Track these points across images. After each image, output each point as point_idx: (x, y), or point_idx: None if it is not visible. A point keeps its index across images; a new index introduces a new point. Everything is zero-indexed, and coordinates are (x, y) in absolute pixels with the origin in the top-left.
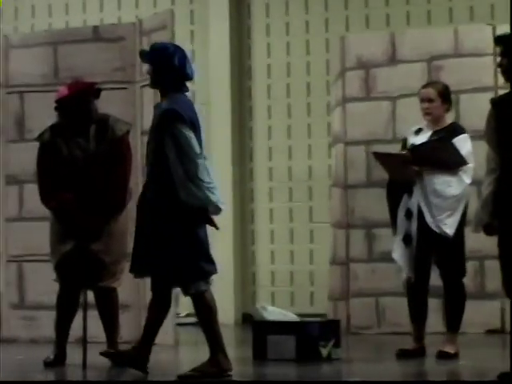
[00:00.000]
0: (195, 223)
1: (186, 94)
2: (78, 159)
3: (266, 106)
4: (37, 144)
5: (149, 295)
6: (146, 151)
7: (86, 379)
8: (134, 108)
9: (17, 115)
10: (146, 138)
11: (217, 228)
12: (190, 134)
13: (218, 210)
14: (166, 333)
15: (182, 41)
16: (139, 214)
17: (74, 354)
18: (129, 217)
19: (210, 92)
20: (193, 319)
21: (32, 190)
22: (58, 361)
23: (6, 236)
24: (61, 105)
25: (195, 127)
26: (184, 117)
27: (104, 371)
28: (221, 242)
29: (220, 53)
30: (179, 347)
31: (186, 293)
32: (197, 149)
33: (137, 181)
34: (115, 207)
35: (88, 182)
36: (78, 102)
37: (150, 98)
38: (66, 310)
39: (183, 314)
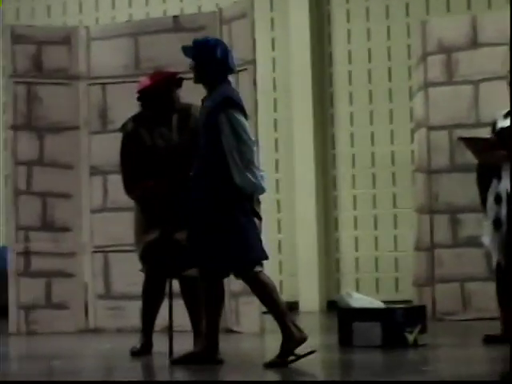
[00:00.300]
0: (247, 211)
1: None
2: (161, 149)
3: (347, 92)
4: (120, 135)
5: (234, 284)
6: (195, 146)
7: (172, 368)
8: None
9: (99, 107)
10: None
11: (260, 219)
12: (246, 121)
13: (258, 202)
14: (251, 321)
15: (262, 29)
16: (191, 209)
17: (160, 343)
18: None
19: (290, 79)
20: None
21: (116, 181)
22: (144, 350)
23: (91, 227)
24: (143, 95)
25: (246, 117)
26: (240, 104)
27: None
28: (305, 229)
29: (300, 40)
30: (265, 335)
31: (240, 275)
32: (252, 136)
33: None
34: None
35: (171, 172)
36: (161, 91)
37: None
38: (152, 299)
39: None
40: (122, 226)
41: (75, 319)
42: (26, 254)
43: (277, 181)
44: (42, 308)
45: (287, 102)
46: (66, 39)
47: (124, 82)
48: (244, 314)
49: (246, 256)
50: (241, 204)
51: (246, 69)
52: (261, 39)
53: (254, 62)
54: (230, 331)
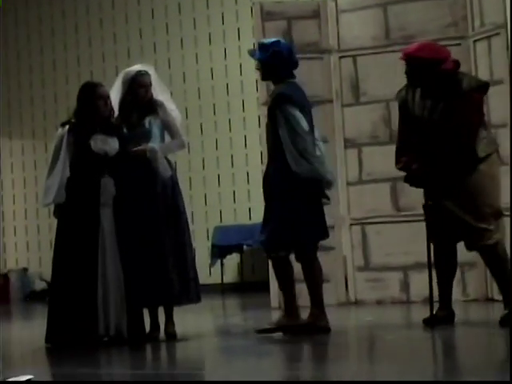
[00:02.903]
0: (307, 195)
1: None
2: (424, 118)
3: None
4: (370, 107)
5: None
6: (266, 131)
7: (434, 337)
8: (468, 63)
9: (351, 79)
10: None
11: (328, 199)
12: (299, 114)
13: (329, 185)
14: None
15: None
16: (264, 189)
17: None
18: (486, 174)
19: None
20: None
21: (370, 153)
22: (446, 319)
23: (347, 200)
24: (410, 60)
25: (304, 110)
26: (293, 99)
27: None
28: None
29: None
30: None
31: (297, 259)
32: (304, 126)
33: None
34: (461, 164)
35: (436, 139)
36: (425, 68)
37: (483, 53)
38: (443, 267)
39: None
40: (379, 197)
41: (336, 292)
42: None
43: None
44: (301, 282)
45: None
46: (315, 13)
47: (375, 54)
48: None
49: (303, 234)
50: (301, 188)
51: (497, 33)
52: None
53: (505, 25)
54: (490, 300)
